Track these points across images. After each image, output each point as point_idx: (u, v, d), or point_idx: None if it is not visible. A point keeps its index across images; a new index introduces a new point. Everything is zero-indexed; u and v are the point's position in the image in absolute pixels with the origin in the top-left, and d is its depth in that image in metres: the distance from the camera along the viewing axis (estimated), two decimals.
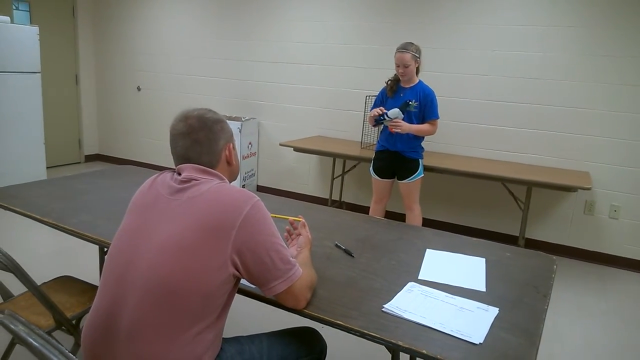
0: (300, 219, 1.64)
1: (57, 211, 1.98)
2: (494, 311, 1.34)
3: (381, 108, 3.20)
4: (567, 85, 3.76)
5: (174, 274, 1.14)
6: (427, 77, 3.77)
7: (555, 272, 1.67)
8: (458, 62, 4.10)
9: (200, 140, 1.31)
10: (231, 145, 1.38)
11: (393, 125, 3.15)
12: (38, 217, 1.91)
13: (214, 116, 1.36)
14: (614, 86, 3.62)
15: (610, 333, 2.77)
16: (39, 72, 4.76)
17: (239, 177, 4.86)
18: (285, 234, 1.63)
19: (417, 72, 3.30)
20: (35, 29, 4.68)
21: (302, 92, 4.86)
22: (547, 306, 1.41)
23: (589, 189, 3.24)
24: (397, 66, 3.19)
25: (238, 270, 1.20)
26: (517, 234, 3.84)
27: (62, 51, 5.86)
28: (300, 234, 1.59)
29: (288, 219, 1.67)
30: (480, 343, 1.18)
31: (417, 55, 3.20)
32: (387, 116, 3.17)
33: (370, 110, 3.49)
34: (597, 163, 3.75)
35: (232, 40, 5.16)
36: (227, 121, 1.42)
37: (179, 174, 1.30)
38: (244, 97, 5.22)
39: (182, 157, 1.32)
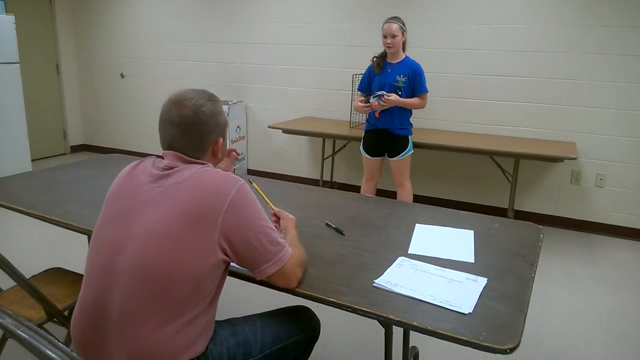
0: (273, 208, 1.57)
1: (42, 203, 1.95)
2: (482, 281, 1.36)
3: (362, 100, 3.30)
4: (552, 57, 3.75)
5: (162, 261, 1.14)
6: (414, 52, 3.74)
7: (542, 240, 1.69)
8: (444, 37, 4.07)
9: (190, 135, 1.26)
10: (221, 139, 1.33)
11: (383, 104, 3.15)
12: (23, 209, 1.88)
13: (210, 108, 1.28)
14: (598, 56, 3.62)
15: (598, 298, 2.83)
16: (17, 63, 4.65)
17: None
18: (274, 222, 1.57)
19: (403, 48, 3.28)
20: (10, 18, 4.56)
21: (289, 73, 4.81)
22: (535, 274, 1.43)
23: (574, 158, 3.27)
24: (385, 37, 3.18)
25: (227, 255, 1.20)
26: (507, 207, 3.88)
27: (40, 40, 5.72)
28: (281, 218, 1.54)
29: (272, 209, 1.59)
30: (469, 313, 1.20)
31: (404, 28, 3.20)
32: (371, 99, 3.21)
33: (358, 89, 3.48)
34: (582, 133, 3.78)
35: (215, 23, 5.07)
36: None
37: (163, 159, 1.29)
38: (230, 80, 5.15)
39: (167, 143, 1.29)
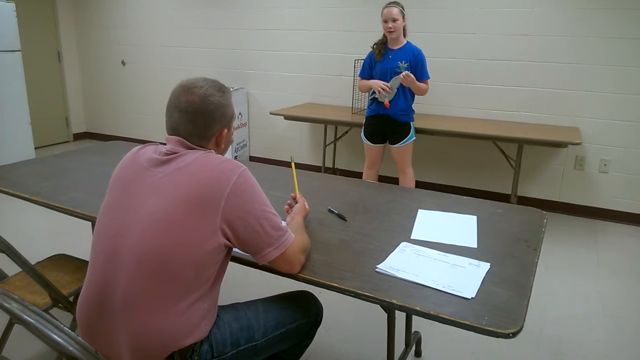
0: (297, 194, 1.65)
1: (46, 190, 1.96)
2: (485, 266, 1.36)
3: (384, 84, 3.17)
4: (555, 41, 3.71)
5: (165, 245, 1.14)
6: (415, 37, 3.71)
7: (545, 226, 1.69)
8: (445, 22, 4.03)
9: (195, 123, 1.27)
10: (226, 130, 1.33)
11: (403, 79, 3.08)
12: (27, 196, 1.89)
13: (219, 99, 1.29)
14: (601, 40, 3.57)
15: (601, 284, 2.83)
16: (19, 51, 4.63)
17: (231, 149, 4.83)
18: (286, 206, 1.62)
19: (404, 34, 3.25)
20: (11, 6, 4.53)
21: (290, 59, 4.78)
22: (538, 259, 1.43)
23: (579, 144, 3.25)
24: (385, 22, 3.15)
25: (229, 240, 1.20)
26: (510, 192, 3.87)
27: (41, 27, 5.69)
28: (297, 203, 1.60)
29: (295, 194, 1.65)
30: (472, 297, 1.20)
31: (404, 12, 3.19)
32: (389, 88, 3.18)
33: (359, 76, 3.44)
34: (586, 118, 3.75)
35: (216, 9, 5.03)
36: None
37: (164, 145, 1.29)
38: (231, 66, 5.12)
39: (172, 128, 1.29)
